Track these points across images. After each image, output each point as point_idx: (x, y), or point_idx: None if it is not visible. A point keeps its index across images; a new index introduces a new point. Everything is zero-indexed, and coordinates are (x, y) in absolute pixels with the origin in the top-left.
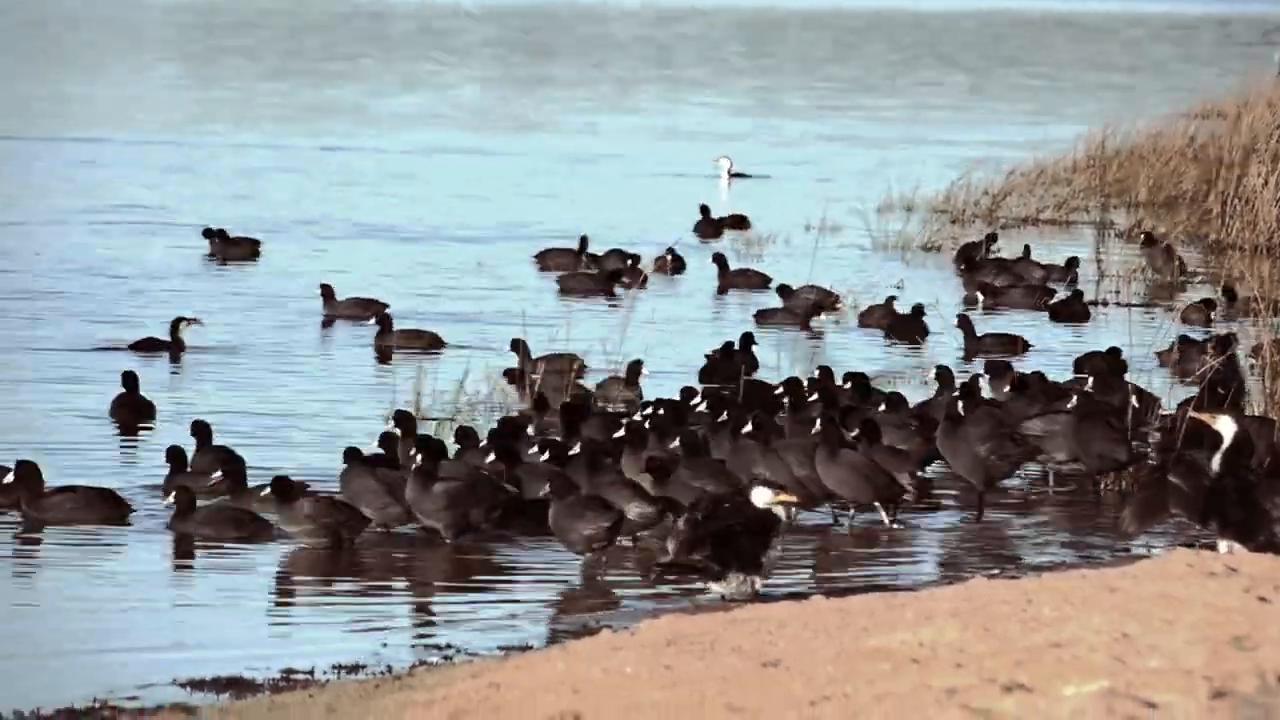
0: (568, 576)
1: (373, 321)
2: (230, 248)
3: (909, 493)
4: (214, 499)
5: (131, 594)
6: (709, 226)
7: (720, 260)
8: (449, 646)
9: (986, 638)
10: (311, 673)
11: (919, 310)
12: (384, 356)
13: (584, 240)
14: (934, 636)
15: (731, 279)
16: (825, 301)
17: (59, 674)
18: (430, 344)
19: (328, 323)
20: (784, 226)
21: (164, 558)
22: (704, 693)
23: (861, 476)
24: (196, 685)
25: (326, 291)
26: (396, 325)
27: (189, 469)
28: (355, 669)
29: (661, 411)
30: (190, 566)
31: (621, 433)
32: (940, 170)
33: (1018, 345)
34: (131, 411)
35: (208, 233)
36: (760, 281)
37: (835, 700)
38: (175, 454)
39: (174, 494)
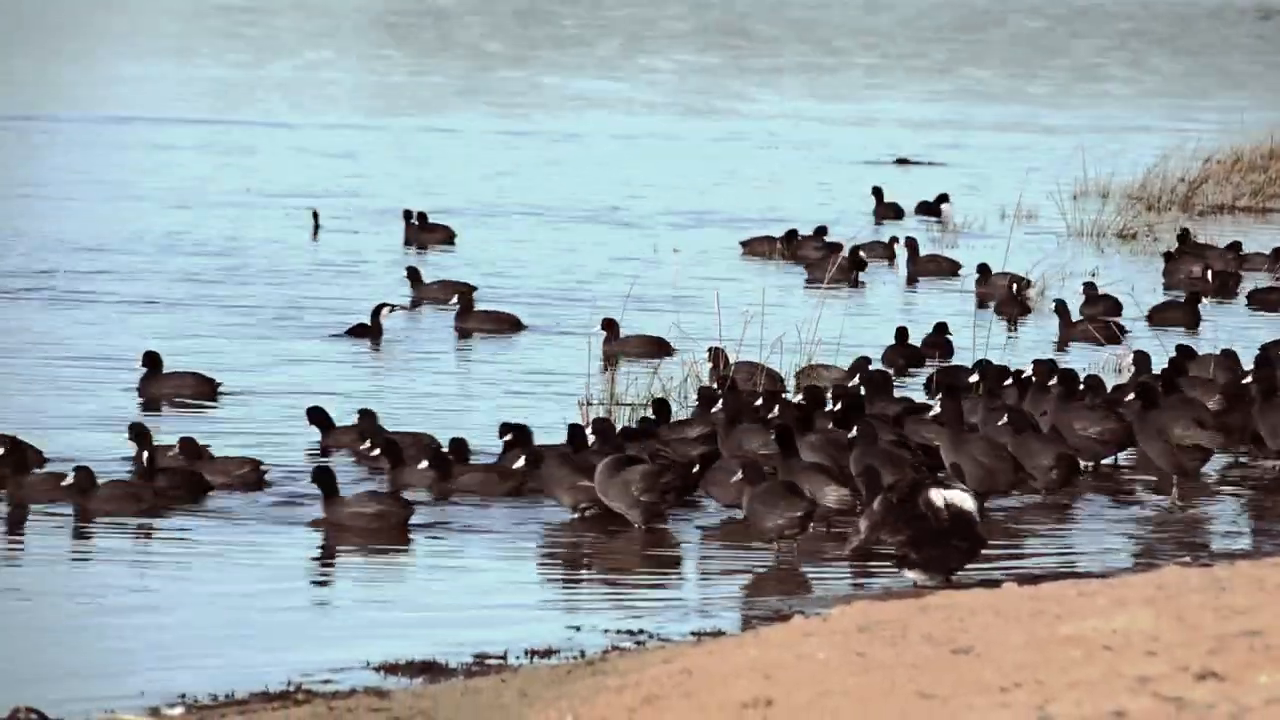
0: (760, 562)
1: (454, 301)
2: (425, 234)
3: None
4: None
5: (323, 578)
6: (885, 210)
7: (911, 246)
8: (641, 631)
9: (1179, 626)
10: (504, 657)
11: (1194, 299)
12: (464, 337)
13: (792, 232)
14: (1126, 624)
15: (922, 265)
16: (1018, 288)
17: (253, 658)
18: (511, 327)
19: (415, 304)
20: (979, 213)
21: (356, 541)
22: (895, 679)
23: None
24: (390, 669)
25: (413, 274)
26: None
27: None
28: (548, 653)
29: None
30: (385, 551)
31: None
32: (1136, 157)
33: (1114, 332)
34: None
35: (407, 214)
36: (951, 268)
37: (1026, 687)
38: (139, 431)
39: (73, 471)
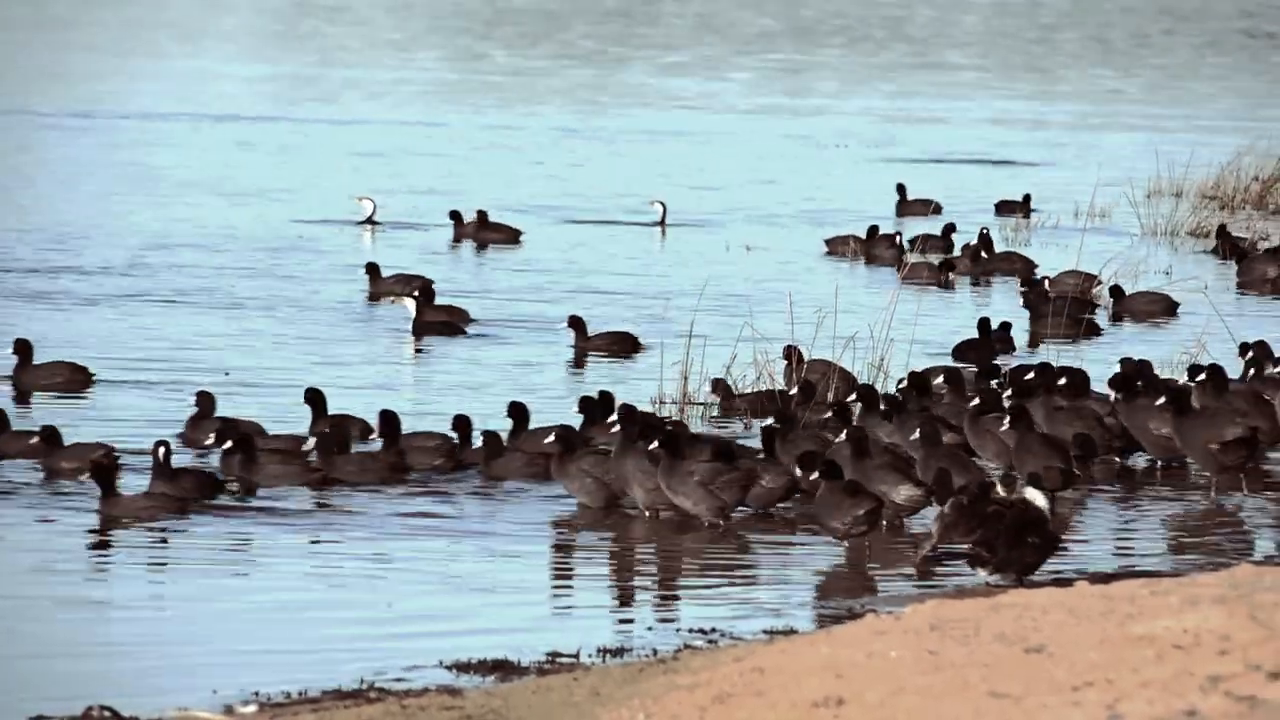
0: (832, 561)
1: (417, 294)
2: (488, 232)
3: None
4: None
5: (396, 576)
6: (907, 207)
7: (984, 241)
8: (713, 630)
9: (1251, 625)
10: (577, 656)
11: None
12: (421, 333)
13: (873, 229)
14: (1198, 623)
15: (995, 263)
16: (1085, 286)
17: (326, 656)
18: (462, 320)
19: (373, 298)
20: (1053, 211)
21: (427, 540)
22: (967, 678)
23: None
24: (462, 668)
25: (371, 270)
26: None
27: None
28: (620, 652)
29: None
30: (452, 550)
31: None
32: (1211, 155)
33: (1081, 329)
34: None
35: (454, 215)
36: (1024, 266)
37: (1098, 686)
38: (161, 443)
39: None
